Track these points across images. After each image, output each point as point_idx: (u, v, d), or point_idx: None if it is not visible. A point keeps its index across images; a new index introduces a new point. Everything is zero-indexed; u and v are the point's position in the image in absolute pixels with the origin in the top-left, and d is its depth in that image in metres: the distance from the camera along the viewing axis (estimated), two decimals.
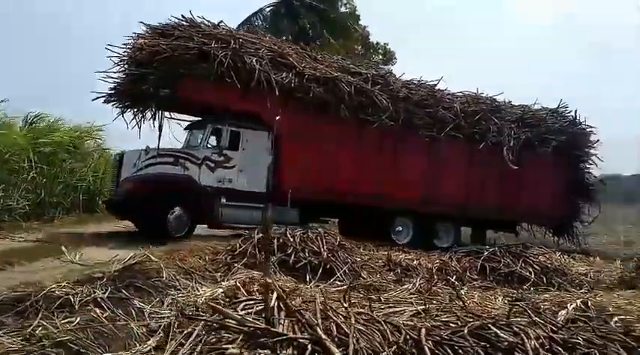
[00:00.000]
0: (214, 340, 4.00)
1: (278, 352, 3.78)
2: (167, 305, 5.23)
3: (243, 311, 4.31)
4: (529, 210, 16.64)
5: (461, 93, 16.77)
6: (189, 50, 12.06)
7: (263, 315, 4.28)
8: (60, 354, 3.87)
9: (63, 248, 8.27)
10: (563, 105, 18.08)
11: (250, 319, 4.12)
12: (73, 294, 4.97)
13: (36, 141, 15.13)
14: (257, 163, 13.08)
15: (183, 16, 13.18)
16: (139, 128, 12.76)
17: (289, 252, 7.42)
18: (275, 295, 4.36)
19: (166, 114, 12.94)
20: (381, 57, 32.34)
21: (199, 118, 14.11)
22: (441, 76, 16.11)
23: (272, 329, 4.01)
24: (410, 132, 14.80)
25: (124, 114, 13.00)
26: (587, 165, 18.08)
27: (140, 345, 4.32)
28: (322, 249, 7.61)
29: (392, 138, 14.55)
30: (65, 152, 16.10)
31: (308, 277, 7.02)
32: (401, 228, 14.97)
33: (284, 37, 23.86)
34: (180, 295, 5.55)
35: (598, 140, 17.80)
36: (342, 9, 31.82)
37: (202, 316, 4.49)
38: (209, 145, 12.88)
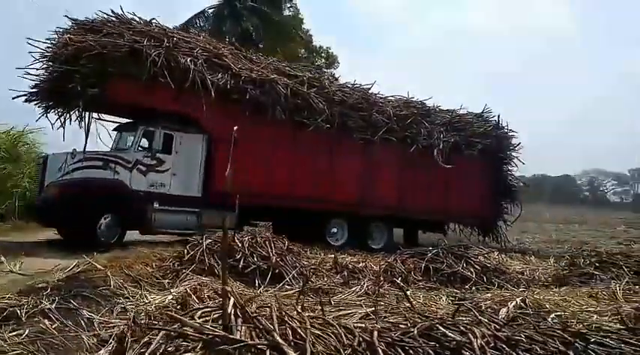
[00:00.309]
0: (172, 349, 4.08)
1: None
2: (117, 314, 5.23)
3: (201, 319, 4.39)
4: (458, 210, 17.56)
5: (392, 98, 17.44)
6: (119, 47, 11.77)
7: (220, 322, 4.40)
8: None
9: (2, 257, 8.04)
10: (488, 110, 19.27)
11: (208, 326, 4.23)
12: (19, 306, 4.90)
13: None
14: (191, 167, 12.95)
15: (112, 11, 12.91)
16: (64, 129, 12.43)
17: (238, 257, 7.50)
18: (232, 301, 4.48)
19: (94, 115, 12.63)
20: (324, 60, 33.16)
21: (129, 120, 13.81)
22: (374, 80, 16.78)
23: (230, 336, 4.13)
24: (345, 135, 15.24)
25: (48, 115, 12.67)
26: (510, 167, 19.34)
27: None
28: (271, 254, 7.75)
29: (328, 141, 14.90)
30: None
31: (257, 282, 7.14)
32: (336, 230, 15.36)
33: (227, 39, 23.94)
34: (129, 303, 5.56)
35: (519, 143, 19.13)
36: (287, 12, 32.34)
37: (156, 324, 4.55)
38: (140, 148, 12.59)
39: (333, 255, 9.49)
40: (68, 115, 12.42)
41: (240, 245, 7.83)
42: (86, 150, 11.95)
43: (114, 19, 12.79)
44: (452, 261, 8.95)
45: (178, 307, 5.12)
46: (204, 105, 12.42)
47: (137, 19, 13.09)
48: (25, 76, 12.03)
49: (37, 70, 12.19)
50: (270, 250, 7.86)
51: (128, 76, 11.80)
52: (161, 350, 4.03)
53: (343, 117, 15.19)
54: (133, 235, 12.26)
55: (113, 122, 13.64)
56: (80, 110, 12.05)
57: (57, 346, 4.38)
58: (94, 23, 12.53)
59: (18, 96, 12.21)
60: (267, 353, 3.92)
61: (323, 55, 34.08)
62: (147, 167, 12.30)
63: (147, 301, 5.66)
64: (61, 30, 12.50)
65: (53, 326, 4.66)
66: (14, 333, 4.39)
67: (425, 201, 16.62)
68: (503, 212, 18.97)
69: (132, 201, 11.91)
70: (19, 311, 4.83)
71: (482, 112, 19.24)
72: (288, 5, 32.80)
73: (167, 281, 6.88)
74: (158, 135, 12.52)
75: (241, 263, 7.45)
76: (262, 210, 13.94)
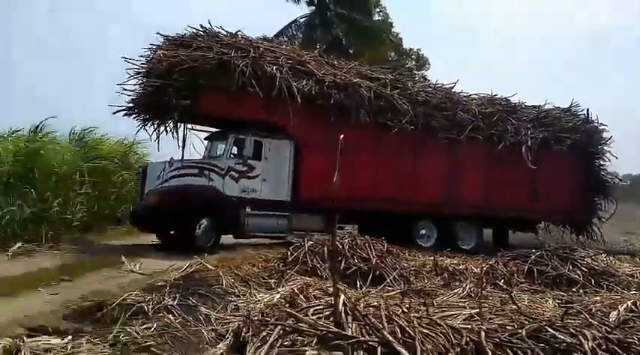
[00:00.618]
0: (288, 343, 4.41)
1: (350, 354, 4.19)
2: (230, 311, 5.73)
3: (314, 316, 4.71)
4: (548, 208, 17.25)
5: (476, 95, 17.47)
6: (209, 60, 12.49)
7: (331, 319, 4.69)
8: None
9: (123, 258, 8.93)
10: (575, 104, 18.93)
11: (322, 323, 4.54)
12: (145, 302, 5.51)
13: (87, 155, 15.63)
14: (280, 172, 13.55)
15: (201, 25, 13.69)
16: (159, 140, 13.45)
17: (339, 258, 7.92)
18: (341, 300, 4.76)
19: (187, 125, 13.40)
20: (414, 62, 33.96)
21: (218, 129, 14.52)
22: (457, 79, 16.90)
23: (343, 332, 4.41)
24: (429, 135, 15.38)
25: (145, 127, 13.69)
26: (602, 162, 18.80)
27: (213, 349, 4.75)
28: (371, 256, 8.10)
29: (412, 142, 15.11)
30: (114, 165, 16.63)
31: (359, 283, 7.48)
32: (424, 231, 15.51)
33: (317, 46, 25.25)
34: (241, 301, 6.09)
35: (611, 137, 18.61)
36: (376, 17, 33.47)
37: (269, 320, 4.92)
38: (231, 155, 13.30)
39: (432, 257, 9.68)
40: (163, 127, 13.37)
41: (340, 247, 8.21)
42: (182, 158, 12.80)
43: (202, 33, 13.58)
44: (557, 263, 8.86)
45: (287, 305, 5.47)
46: (291, 112, 12.89)
47: (224, 32, 13.82)
48: (122, 91, 13.06)
49: (134, 85, 13.19)
50: (370, 252, 8.20)
51: (218, 87, 12.47)
52: (278, 344, 4.38)
53: (427, 118, 15.34)
54: (227, 239, 12.95)
55: (205, 131, 14.43)
56: (175, 121, 12.96)
57: (181, 339, 4.84)
58: (184, 38, 13.36)
59: (118, 111, 13.20)
60: (379, 349, 4.16)
61: (413, 57, 34.80)
62: (239, 173, 12.98)
63: (256, 299, 6.19)
64: (154, 46, 13.41)
65: (177, 321, 5.18)
66: (144, 327, 4.91)
67: (512, 198, 16.49)
68: (596, 209, 18.47)
69: (226, 206, 12.60)
70: (145, 307, 5.44)
71: (569, 107, 18.94)
72: (378, 10, 33.79)
73: (273, 281, 7.40)
74: (249, 143, 13.20)
75: (342, 264, 7.82)
76: (349, 213, 14.17)
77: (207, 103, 12.47)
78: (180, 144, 13.06)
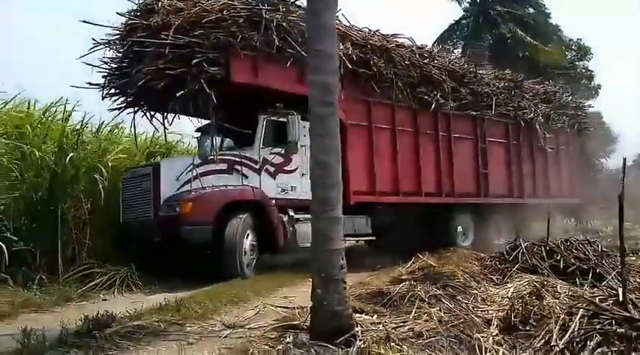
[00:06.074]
0: (587, 324, 6.33)
1: None
2: (477, 301, 7.98)
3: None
4: (557, 192, 20.79)
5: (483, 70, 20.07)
6: (238, 13, 12.22)
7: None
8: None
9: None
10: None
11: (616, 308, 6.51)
12: (418, 290, 7.89)
13: None
14: None
15: None
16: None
17: (558, 258, 10.31)
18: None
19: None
20: (574, 53, 40.99)
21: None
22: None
23: (635, 317, 6.39)
24: (460, 113, 17.86)
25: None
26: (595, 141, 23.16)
27: (488, 330, 6.79)
28: (590, 255, 10.38)
29: (445, 121, 17.46)
30: None
31: (578, 281, 9.56)
32: (461, 229, 17.50)
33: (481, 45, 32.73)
34: (479, 294, 8.37)
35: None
36: (530, 10, 40.47)
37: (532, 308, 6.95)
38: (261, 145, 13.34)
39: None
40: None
41: (556, 247, 10.69)
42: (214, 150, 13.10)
43: None
44: None
45: (533, 297, 7.57)
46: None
47: None
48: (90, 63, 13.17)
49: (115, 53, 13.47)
50: (586, 251, 10.56)
51: (252, 49, 12.45)
52: (578, 325, 6.29)
53: (455, 93, 17.55)
54: None
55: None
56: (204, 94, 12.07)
57: (460, 320, 6.90)
58: None
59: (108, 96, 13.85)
60: None
61: (573, 47, 41.53)
62: (275, 167, 13.36)
63: (493, 292, 8.52)
64: None
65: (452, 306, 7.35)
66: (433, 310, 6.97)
67: (530, 183, 19.70)
68: (593, 192, 22.52)
69: (271, 211, 12.95)
70: (421, 294, 7.79)
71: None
72: (534, 2, 40.61)
73: (495, 277, 9.81)
74: (292, 126, 13.19)
75: (562, 263, 10.19)
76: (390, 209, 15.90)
77: (241, 71, 12.31)
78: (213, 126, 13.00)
